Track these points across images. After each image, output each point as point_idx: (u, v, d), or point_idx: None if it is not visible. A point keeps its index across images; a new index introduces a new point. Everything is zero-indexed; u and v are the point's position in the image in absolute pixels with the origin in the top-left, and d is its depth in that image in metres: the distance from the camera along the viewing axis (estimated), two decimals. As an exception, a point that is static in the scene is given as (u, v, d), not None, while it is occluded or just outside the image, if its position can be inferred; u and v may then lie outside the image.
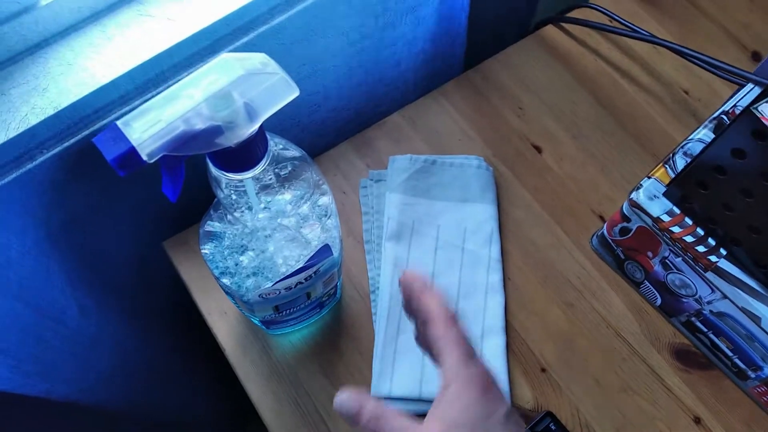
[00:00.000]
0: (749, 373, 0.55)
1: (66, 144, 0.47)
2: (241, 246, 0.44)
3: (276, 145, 0.40)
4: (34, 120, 0.43)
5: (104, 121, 0.48)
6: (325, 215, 0.45)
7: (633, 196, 0.53)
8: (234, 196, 0.40)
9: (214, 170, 0.37)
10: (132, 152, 0.31)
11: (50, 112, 0.44)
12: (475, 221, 0.61)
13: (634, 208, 0.53)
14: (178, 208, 0.61)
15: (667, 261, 0.54)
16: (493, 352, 0.56)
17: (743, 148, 0.52)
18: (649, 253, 0.56)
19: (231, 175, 0.37)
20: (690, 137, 0.55)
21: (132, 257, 0.63)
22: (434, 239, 0.61)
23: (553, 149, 0.67)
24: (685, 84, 0.71)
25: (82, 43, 0.47)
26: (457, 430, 0.31)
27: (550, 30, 0.74)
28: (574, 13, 0.74)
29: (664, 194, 0.53)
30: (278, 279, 0.44)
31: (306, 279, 0.46)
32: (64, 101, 0.44)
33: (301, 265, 0.44)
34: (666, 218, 0.52)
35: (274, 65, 0.34)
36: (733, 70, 0.62)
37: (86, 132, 0.47)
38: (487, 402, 0.32)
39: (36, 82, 0.44)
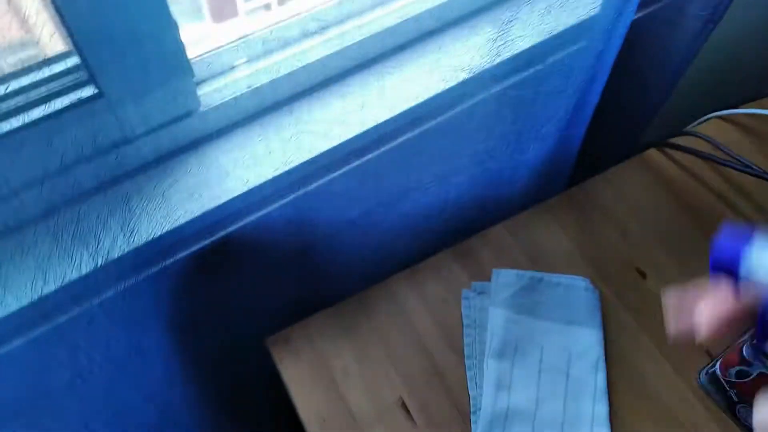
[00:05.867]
0: None
1: (202, 243, 0.48)
2: None
3: None
4: (183, 220, 0.44)
5: (240, 223, 0.49)
6: None
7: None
8: None
9: None
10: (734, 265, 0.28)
11: (197, 213, 0.45)
12: (580, 346, 0.60)
13: (761, 356, 0.51)
14: (282, 305, 0.61)
15: (793, 413, 0.51)
16: (599, 491, 0.53)
17: None
18: (772, 402, 0.53)
19: None
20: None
21: (233, 352, 0.62)
22: (538, 361, 0.59)
23: (657, 275, 0.66)
24: (793, 220, 0.70)
25: (237, 147, 0.48)
26: None
27: (653, 154, 0.74)
28: (679, 140, 0.75)
29: (794, 343, 0.50)
30: None
31: None
32: (211, 204, 0.45)
33: None
34: (795, 369, 0.50)
35: None
36: None
37: (222, 233, 0.48)
38: None
39: (191, 181, 0.45)
